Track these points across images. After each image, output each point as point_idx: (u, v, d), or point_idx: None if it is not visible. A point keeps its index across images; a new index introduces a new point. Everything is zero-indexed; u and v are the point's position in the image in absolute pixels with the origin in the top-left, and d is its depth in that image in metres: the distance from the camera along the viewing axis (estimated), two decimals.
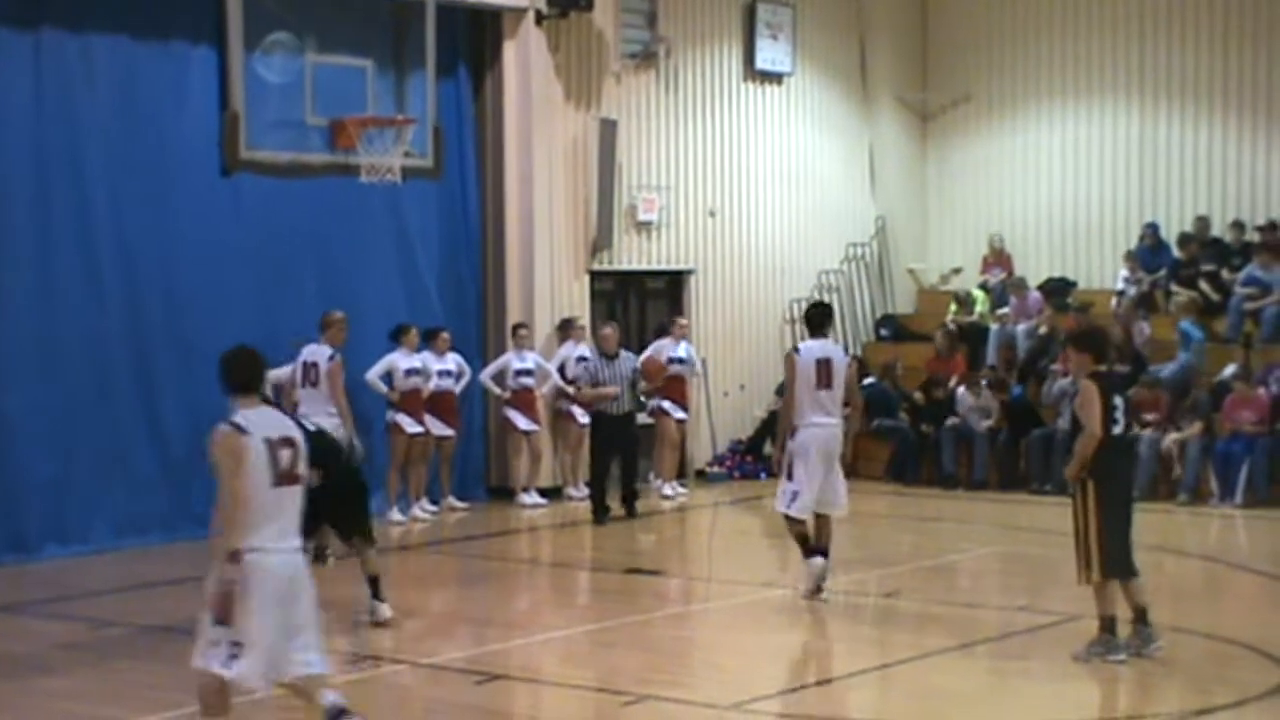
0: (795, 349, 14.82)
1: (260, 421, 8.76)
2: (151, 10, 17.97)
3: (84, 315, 17.63)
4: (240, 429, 8.66)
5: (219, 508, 8.65)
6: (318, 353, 17.22)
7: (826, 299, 25.20)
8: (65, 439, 17.40)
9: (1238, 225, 23.68)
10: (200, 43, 17.90)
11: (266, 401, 9.29)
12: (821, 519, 14.57)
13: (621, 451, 20.05)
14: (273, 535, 8.57)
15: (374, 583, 13.52)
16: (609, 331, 20.34)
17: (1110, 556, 11.76)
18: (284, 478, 8.67)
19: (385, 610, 13.47)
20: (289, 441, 8.79)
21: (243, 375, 9.05)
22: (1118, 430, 11.78)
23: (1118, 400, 11.87)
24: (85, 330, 17.63)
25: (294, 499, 8.76)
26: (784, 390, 15.40)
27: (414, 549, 18.34)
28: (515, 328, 21.05)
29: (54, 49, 17.41)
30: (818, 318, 14.79)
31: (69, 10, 17.47)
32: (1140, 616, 12.00)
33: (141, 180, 18.05)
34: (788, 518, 14.49)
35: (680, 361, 21.41)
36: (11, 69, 17.12)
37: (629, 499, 20.02)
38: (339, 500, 13.31)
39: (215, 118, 18.37)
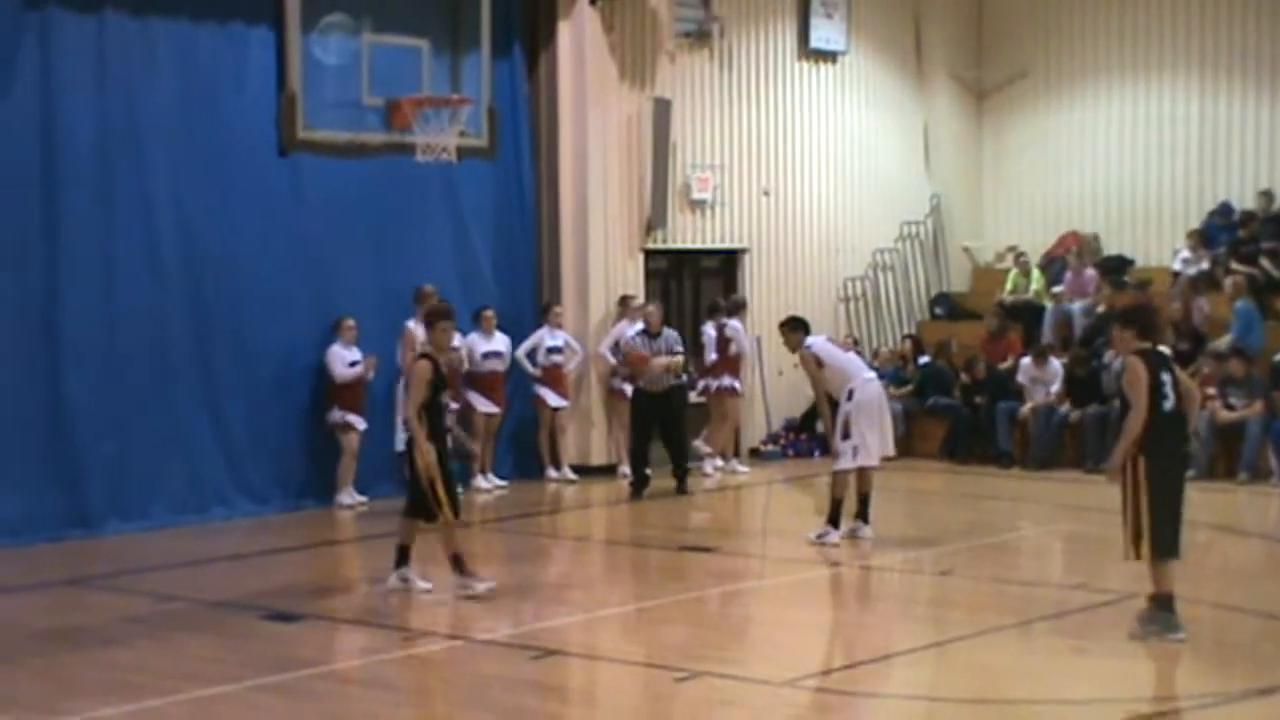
0: (807, 346, 16.36)
1: None
2: None
3: (144, 295, 17.79)
4: None
5: None
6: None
7: (882, 277, 25.33)
8: (126, 417, 17.57)
9: None
10: (258, 24, 18.03)
11: None
12: (864, 476, 16.19)
13: (663, 427, 20.16)
14: None
15: (457, 560, 13.72)
16: (653, 310, 20.54)
17: (1159, 535, 11.69)
18: None
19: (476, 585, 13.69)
20: None
21: None
22: (1168, 406, 11.67)
23: (1165, 377, 11.74)
24: (146, 310, 17.80)
25: None
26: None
27: (459, 526, 18.45)
28: (547, 306, 21.16)
29: (116, 32, 17.56)
30: (801, 324, 16.78)
31: None
32: (1168, 603, 11.89)
33: (201, 161, 18.19)
34: (838, 476, 16.00)
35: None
36: (75, 52, 17.26)
37: (680, 476, 20.14)
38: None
39: (273, 98, 18.49)
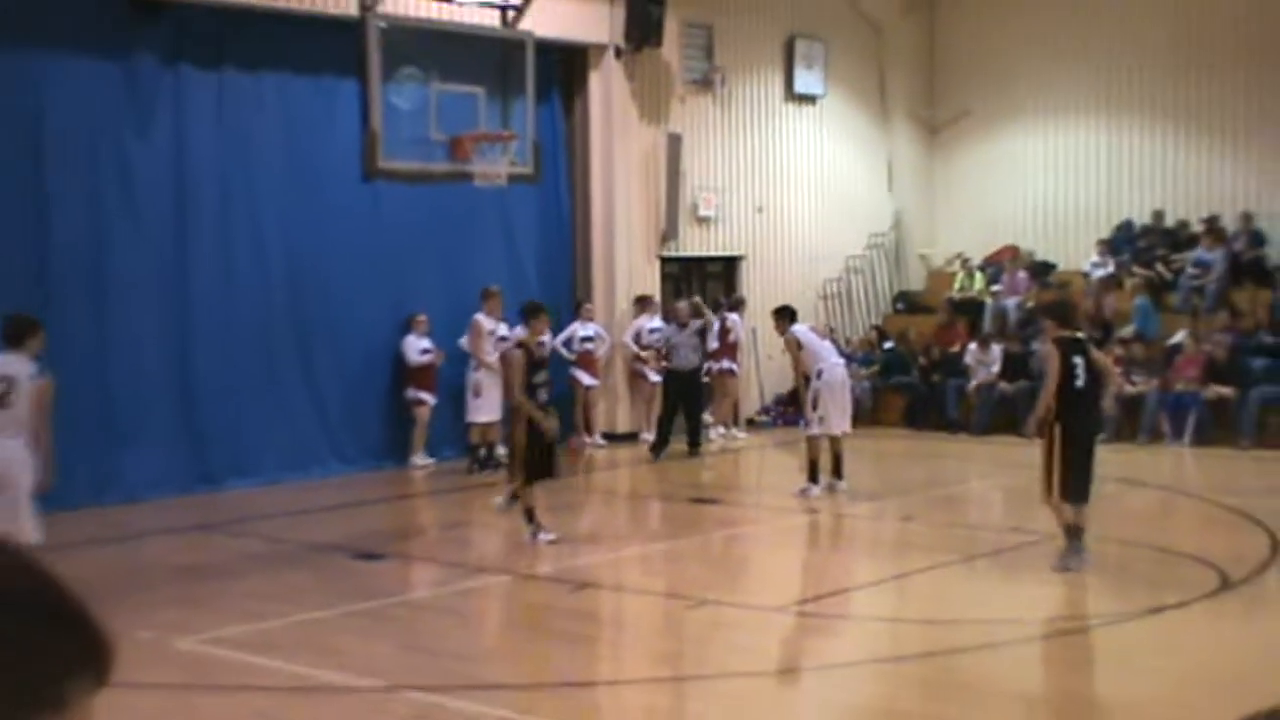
0: (792, 331, 16.42)
1: None
2: (308, 52, 18.13)
3: (256, 295, 17.86)
4: None
5: None
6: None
7: (853, 279, 25.36)
8: (242, 394, 17.65)
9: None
10: (346, 77, 18.04)
11: None
12: (835, 439, 16.18)
13: (687, 401, 20.28)
14: None
15: (530, 513, 13.47)
16: (681, 305, 20.64)
17: (1069, 484, 11.90)
18: None
19: (546, 535, 13.47)
20: None
21: None
22: (1078, 383, 11.80)
23: (1078, 359, 11.86)
24: (257, 307, 17.87)
25: None
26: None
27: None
28: (579, 303, 21.22)
29: (232, 85, 17.64)
30: (789, 312, 16.81)
31: (245, 53, 17.67)
32: (1077, 534, 12.08)
33: (299, 187, 18.26)
34: (810, 440, 16.05)
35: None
36: (200, 101, 17.36)
37: (695, 442, 20.24)
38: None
39: (358, 136, 18.47)
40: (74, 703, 1.27)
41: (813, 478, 16.18)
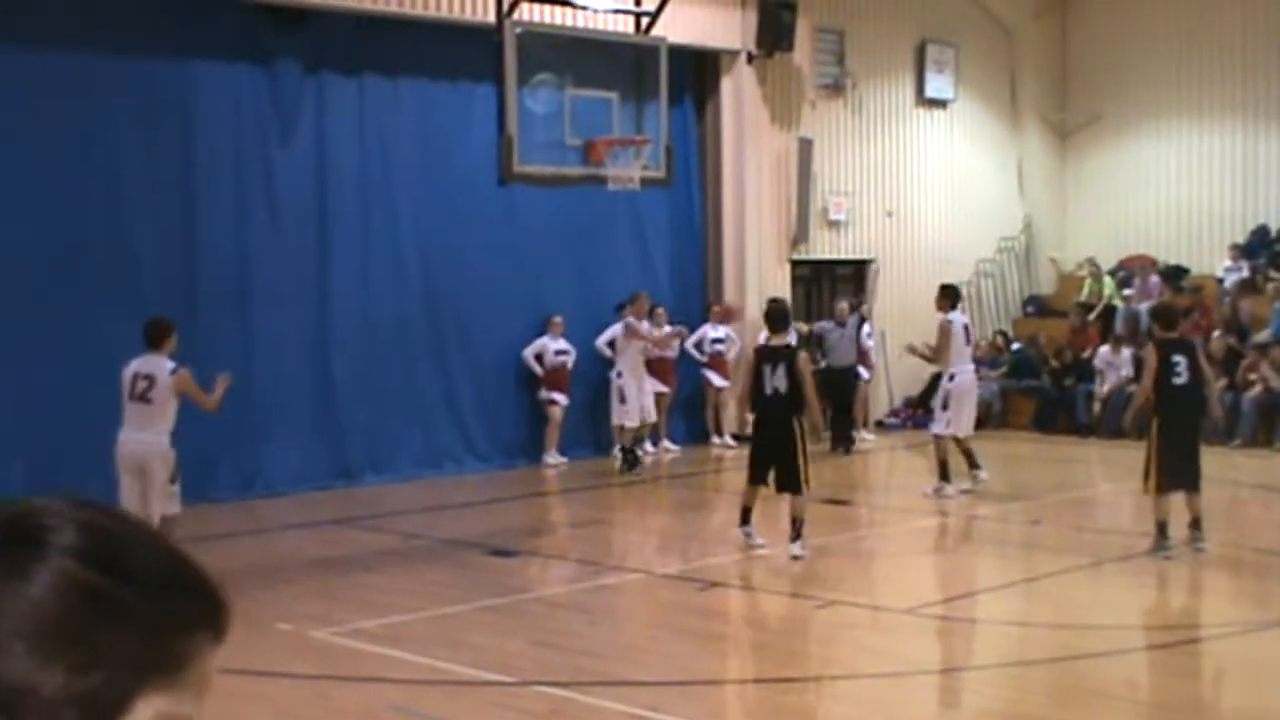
0: (949, 318, 16.25)
1: None
2: (446, 58, 18.29)
3: (393, 297, 18.04)
4: None
5: None
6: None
7: (983, 283, 25.10)
8: (379, 392, 17.85)
9: None
10: (483, 82, 18.17)
11: None
12: (959, 440, 16.17)
13: (839, 398, 20.29)
14: None
15: (794, 524, 12.70)
16: (842, 305, 20.96)
17: (1165, 476, 12.34)
18: None
19: (796, 549, 12.69)
20: None
21: None
22: (1177, 381, 12.35)
23: (1179, 359, 12.39)
24: (394, 309, 18.04)
25: None
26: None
27: (637, 483, 18.54)
28: (711, 305, 21.19)
29: (373, 90, 17.86)
30: (955, 293, 16.76)
31: (384, 60, 17.87)
32: (1194, 523, 12.54)
33: (437, 190, 18.43)
34: (938, 440, 16.05)
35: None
36: (342, 107, 17.59)
37: (847, 439, 20.27)
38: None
39: (494, 140, 18.59)
40: (193, 660, 1.31)
41: (944, 476, 16.07)
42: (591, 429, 19.93)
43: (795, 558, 12.53)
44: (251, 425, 16.55)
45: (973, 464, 16.31)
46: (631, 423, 18.84)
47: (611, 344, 19.63)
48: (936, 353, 16.55)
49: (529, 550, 13.84)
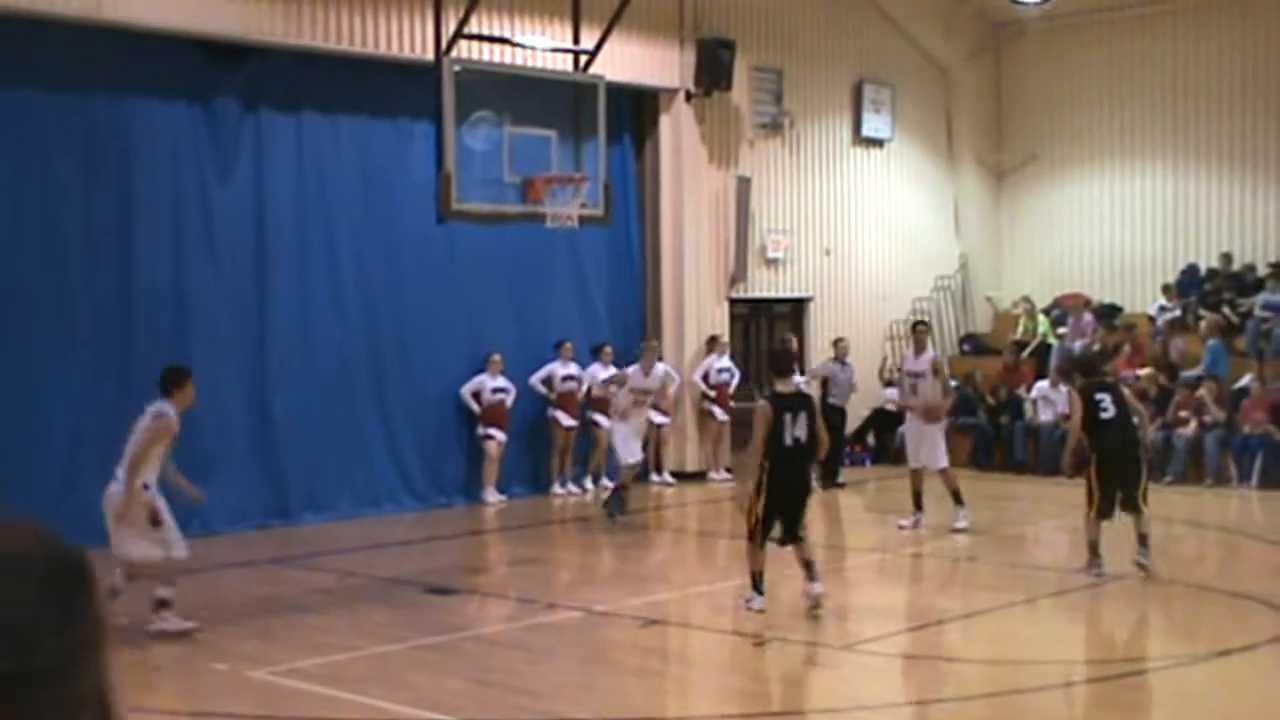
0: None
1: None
2: (385, 95, 18.29)
3: (332, 335, 17.97)
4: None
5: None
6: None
7: (922, 319, 25.24)
8: (318, 430, 17.75)
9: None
10: (421, 119, 18.17)
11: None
12: (915, 473, 16.71)
13: (838, 435, 20.15)
14: None
15: (809, 566, 12.05)
16: (844, 343, 21.25)
17: (1106, 502, 13.21)
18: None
19: (815, 588, 12.03)
20: None
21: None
22: (1106, 416, 13.24)
23: (1101, 396, 13.33)
24: (333, 346, 17.97)
25: None
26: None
27: (576, 520, 18.52)
28: (645, 340, 20.88)
29: (311, 127, 17.82)
30: (921, 332, 17.47)
31: (323, 97, 17.85)
32: (1141, 540, 13.17)
33: (376, 228, 18.39)
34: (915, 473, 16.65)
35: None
36: (281, 144, 17.54)
37: (833, 475, 20.16)
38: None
39: (432, 177, 18.56)
40: None
41: (918, 505, 16.72)
42: (530, 467, 19.91)
43: (819, 596, 11.95)
44: (189, 464, 16.30)
45: (918, 504, 16.49)
46: (635, 459, 17.91)
47: (547, 382, 19.62)
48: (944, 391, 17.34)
49: (468, 588, 13.78)
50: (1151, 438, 16.82)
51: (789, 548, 12.04)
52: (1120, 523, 13.44)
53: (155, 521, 11.05)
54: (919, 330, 17.71)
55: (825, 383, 21.00)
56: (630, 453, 17.68)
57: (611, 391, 18.88)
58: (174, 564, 11.16)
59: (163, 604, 11.18)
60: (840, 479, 20.48)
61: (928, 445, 16.58)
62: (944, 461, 16.59)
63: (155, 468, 11.20)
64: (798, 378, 21.28)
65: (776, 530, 11.98)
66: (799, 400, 12.23)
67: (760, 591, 12.03)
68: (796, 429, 11.81)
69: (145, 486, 11.08)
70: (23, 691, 1.33)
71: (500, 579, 14.86)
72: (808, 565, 12.03)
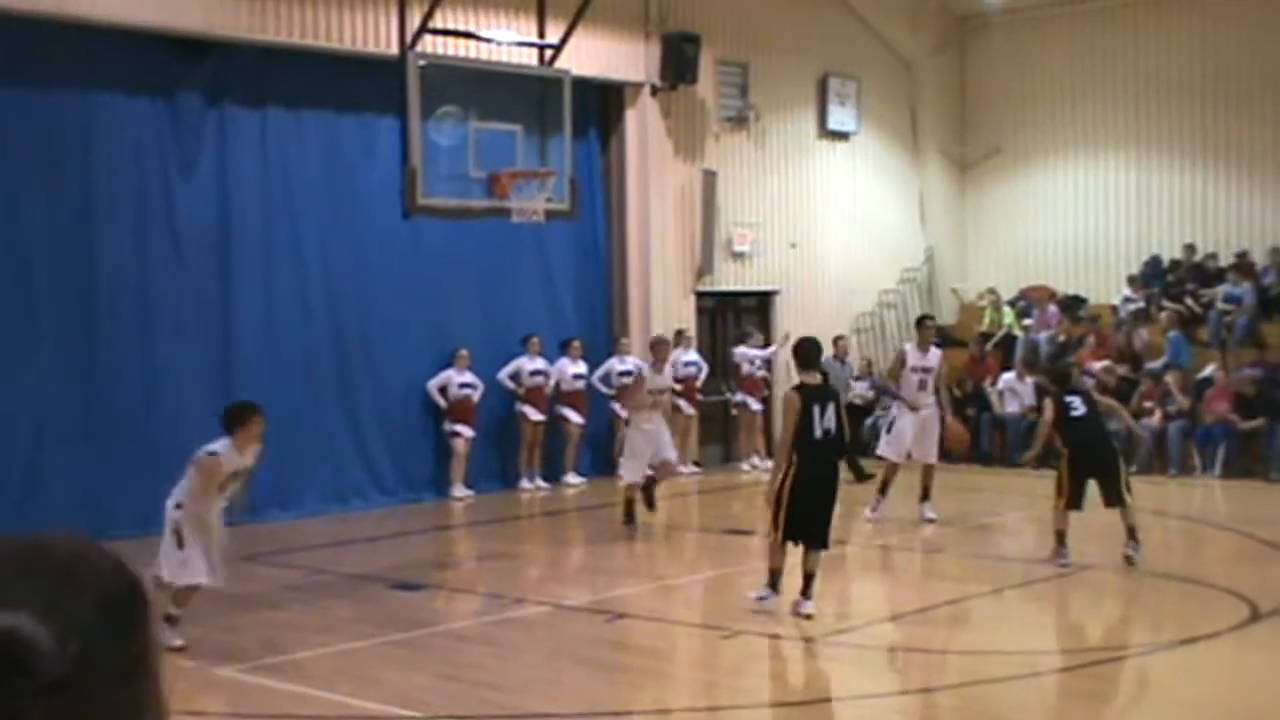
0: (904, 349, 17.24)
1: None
2: (349, 90, 18.25)
3: (298, 330, 17.92)
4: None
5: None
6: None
7: (886, 313, 25.32)
8: (284, 427, 17.52)
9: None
10: (386, 115, 18.13)
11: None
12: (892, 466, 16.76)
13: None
14: None
15: (809, 581, 11.55)
16: (843, 341, 21.46)
17: (1073, 494, 13.34)
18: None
19: (807, 607, 11.52)
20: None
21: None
22: (1077, 414, 13.47)
23: (1073, 399, 13.61)
24: (299, 342, 17.92)
25: None
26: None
27: (544, 515, 18.51)
28: (616, 338, 21.17)
29: (276, 122, 17.76)
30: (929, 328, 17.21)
31: (287, 92, 17.80)
32: (1130, 532, 13.29)
33: (341, 223, 18.34)
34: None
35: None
36: (245, 139, 17.48)
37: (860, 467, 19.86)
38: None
39: (398, 173, 18.51)
40: None
41: (882, 490, 16.79)
42: (498, 462, 19.89)
43: (809, 616, 11.42)
44: (152, 460, 16.31)
45: (883, 490, 16.67)
46: (634, 479, 16.62)
47: (514, 377, 19.62)
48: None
49: (435, 584, 13.77)
50: (1137, 430, 17.17)
51: (798, 548, 11.59)
52: (1090, 514, 13.51)
53: (181, 543, 10.85)
54: (925, 325, 17.11)
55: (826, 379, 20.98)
56: (636, 468, 16.35)
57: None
58: (181, 588, 10.90)
59: (169, 619, 10.94)
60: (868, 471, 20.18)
61: (927, 439, 16.61)
62: (934, 456, 16.65)
63: (216, 502, 10.95)
64: (768, 348, 21.40)
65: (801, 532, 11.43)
66: (826, 392, 11.78)
67: (776, 590, 11.65)
68: (826, 420, 11.38)
69: (178, 506, 10.88)
70: (78, 699, 1.37)
71: (468, 574, 14.85)
72: (808, 579, 11.55)
